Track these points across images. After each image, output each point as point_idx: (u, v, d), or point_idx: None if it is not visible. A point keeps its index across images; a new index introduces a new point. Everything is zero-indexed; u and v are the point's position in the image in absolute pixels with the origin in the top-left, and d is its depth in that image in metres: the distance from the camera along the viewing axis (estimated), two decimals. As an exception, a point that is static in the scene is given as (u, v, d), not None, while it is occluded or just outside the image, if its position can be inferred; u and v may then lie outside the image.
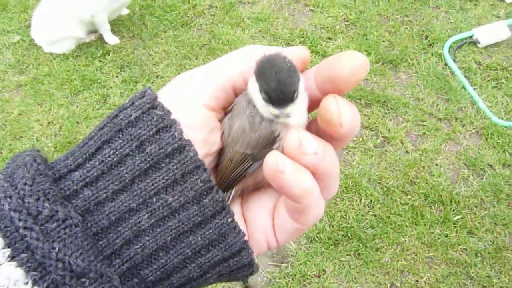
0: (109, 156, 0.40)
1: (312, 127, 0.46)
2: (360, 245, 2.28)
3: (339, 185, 2.45)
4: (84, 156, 0.41)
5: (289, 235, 0.46)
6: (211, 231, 0.42)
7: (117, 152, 0.40)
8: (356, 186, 2.44)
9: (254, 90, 0.44)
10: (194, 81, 0.44)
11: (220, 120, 0.46)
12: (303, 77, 0.44)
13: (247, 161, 0.46)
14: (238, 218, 0.46)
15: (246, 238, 0.44)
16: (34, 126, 2.73)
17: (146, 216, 0.40)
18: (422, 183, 2.45)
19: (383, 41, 3.00)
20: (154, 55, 3.01)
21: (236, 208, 0.48)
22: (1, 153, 2.63)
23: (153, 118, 0.41)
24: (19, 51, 3.07)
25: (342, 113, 0.39)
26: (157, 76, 2.91)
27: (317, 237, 2.30)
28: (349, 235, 2.31)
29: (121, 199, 0.40)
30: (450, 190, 2.42)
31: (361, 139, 2.59)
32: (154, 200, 0.41)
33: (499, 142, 2.58)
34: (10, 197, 0.37)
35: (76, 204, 0.39)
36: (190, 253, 0.42)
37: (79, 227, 0.38)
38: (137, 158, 0.40)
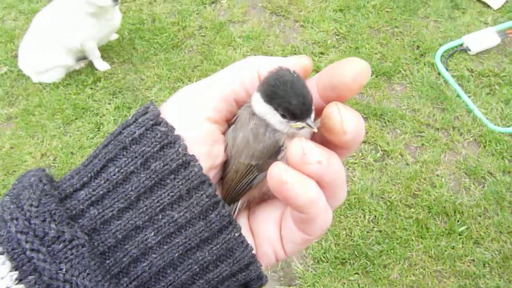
0: (114, 174, 0.40)
1: (317, 136, 0.46)
2: (368, 262, 2.25)
3: (342, 202, 2.43)
4: (89, 175, 0.41)
5: (297, 246, 0.45)
6: (218, 246, 0.42)
7: (122, 170, 0.40)
8: (359, 202, 2.42)
9: (266, 112, 0.44)
10: (196, 95, 0.44)
11: (224, 132, 0.46)
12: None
13: (252, 172, 0.46)
14: (245, 230, 0.46)
15: (254, 252, 0.44)
16: (27, 160, 2.67)
17: (152, 233, 0.40)
18: (425, 195, 2.44)
19: (376, 54, 3.01)
20: (146, 80, 2.97)
21: (243, 220, 0.48)
22: (-5, 189, 2.56)
23: (157, 134, 0.41)
24: (7, 82, 3.01)
25: (345, 120, 0.38)
26: (151, 101, 2.87)
27: (324, 257, 2.27)
28: (356, 253, 2.28)
29: (127, 217, 0.40)
30: (453, 201, 2.41)
31: (360, 154, 2.58)
32: (160, 217, 0.40)
33: (497, 149, 2.59)
34: (17, 219, 0.37)
35: (83, 224, 0.39)
36: (198, 269, 0.42)
37: (85, 247, 0.38)
38: (142, 175, 0.40)
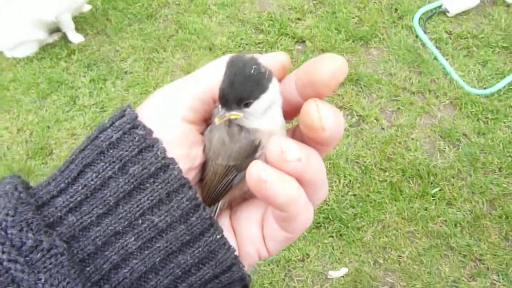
0: (92, 180, 0.40)
1: (297, 133, 0.45)
2: (342, 226, 2.29)
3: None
4: (66, 181, 0.40)
5: (280, 244, 0.45)
6: (200, 249, 0.42)
7: (99, 175, 0.40)
8: (334, 167, 2.44)
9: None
10: (171, 95, 0.43)
11: (202, 133, 0.46)
12: (277, 82, 0.43)
13: (231, 173, 0.45)
14: (227, 230, 0.46)
15: (236, 253, 0.44)
16: (3, 135, 2.66)
17: (133, 238, 0.40)
18: (399, 158, 2.46)
19: (353, 18, 2.96)
20: (121, 51, 2.93)
21: (224, 220, 0.48)
22: (-28, 165, 2.57)
23: (135, 138, 0.40)
24: (-21, 58, 2.97)
25: (324, 117, 0.38)
26: (126, 72, 2.84)
27: (299, 222, 2.31)
28: (330, 217, 2.32)
29: (107, 223, 0.39)
30: (427, 164, 2.43)
31: (336, 120, 2.58)
32: (140, 221, 0.40)
33: (472, 111, 2.59)
34: None
35: (61, 231, 0.39)
36: (180, 273, 0.42)
37: (64, 256, 0.37)
38: (121, 180, 0.40)
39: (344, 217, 2.30)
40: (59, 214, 0.39)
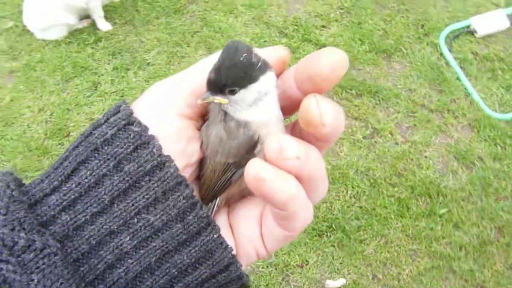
0: (85, 178, 0.39)
1: (296, 129, 0.44)
2: (344, 236, 2.28)
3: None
4: (59, 179, 0.39)
5: (278, 242, 0.44)
6: (197, 248, 0.41)
7: (94, 173, 0.39)
8: (343, 177, 2.44)
9: None
10: (167, 90, 0.42)
11: (199, 129, 0.45)
12: (273, 75, 0.43)
13: (230, 170, 0.44)
14: (224, 228, 0.45)
15: (233, 252, 0.43)
16: (25, 113, 2.75)
17: (128, 238, 0.39)
18: (410, 175, 2.43)
19: (378, 30, 2.95)
20: (146, 42, 2.99)
21: (222, 218, 0.47)
22: (-7, 139, 2.66)
23: (130, 135, 0.39)
24: (12, 37, 3.07)
25: (324, 112, 0.37)
26: (148, 64, 2.90)
27: (302, 228, 2.31)
28: (334, 226, 2.31)
29: (101, 221, 0.39)
30: (438, 183, 2.40)
31: (350, 130, 2.57)
32: (136, 220, 0.39)
33: (491, 135, 2.54)
34: None
35: (54, 230, 0.38)
36: (176, 273, 0.41)
37: (58, 255, 0.36)
38: (115, 178, 0.39)
39: (347, 228, 2.29)
40: (52, 212, 0.38)
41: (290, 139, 0.37)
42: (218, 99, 0.42)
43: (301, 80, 0.41)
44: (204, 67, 0.43)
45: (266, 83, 0.42)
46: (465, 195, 2.37)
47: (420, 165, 2.48)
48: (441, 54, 2.85)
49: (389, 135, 2.57)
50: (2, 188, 0.38)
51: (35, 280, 0.35)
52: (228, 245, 0.42)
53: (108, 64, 2.92)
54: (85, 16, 3.06)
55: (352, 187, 2.41)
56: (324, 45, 2.90)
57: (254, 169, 0.37)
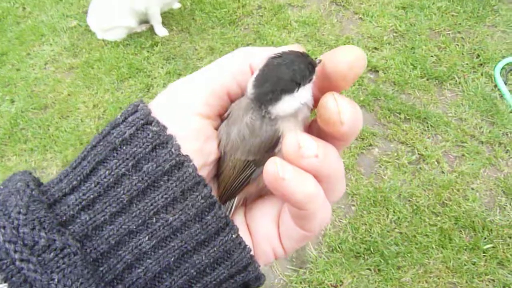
0: (104, 177, 0.38)
1: (314, 127, 0.44)
2: (382, 261, 2.24)
3: (367, 198, 2.43)
4: (78, 178, 0.39)
5: (296, 242, 0.44)
6: (215, 248, 0.41)
7: (112, 173, 0.38)
8: (385, 201, 2.40)
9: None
10: (186, 90, 0.42)
11: (217, 128, 0.44)
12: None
13: (249, 168, 0.44)
14: (242, 228, 0.45)
15: (252, 253, 0.42)
16: (80, 107, 2.87)
17: (146, 237, 0.39)
18: (455, 206, 2.37)
19: (431, 56, 2.92)
20: (200, 50, 3.08)
21: (239, 218, 0.47)
22: (48, 129, 2.79)
23: (148, 134, 0.39)
24: (74, 35, 3.24)
25: (342, 111, 0.37)
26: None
27: (339, 247, 2.29)
28: (372, 249, 2.27)
29: (120, 221, 0.38)
30: (483, 217, 2.32)
31: (395, 154, 2.54)
32: (154, 220, 0.39)
33: (543, 173, 2.45)
34: (4, 227, 0.35)
35: (74, 230, 0.38)
36: (195, 273, 0.40)
37: (78, 255, 0.36)
38: (134, 177, 0.38)
39: (386, 253, 2.25)
40: (71, 212, 0.38)
41: (308, 138, 0.37)
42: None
43: (318, 78, 0.41)
44: (221, 67, 0.43)
45: (310, 86, 0.43)
46: (512, 233, 2.28)
47: (466, 196, 2.41)
48: (496, 85, 2.78)
49: (436, 163, 2.52)
50: (22, 187, 0.38)
51: (56, 280, 0.34)
52: (246, 245, 0.42)
53: (162, 68, 3.02)
54: (145, 21, 3.20)
55: (394, 212, 2.37)
56: (375, 67, 2.90)
57: (273, 168, 0.37)
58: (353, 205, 2.42)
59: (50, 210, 0.38)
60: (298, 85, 0.41)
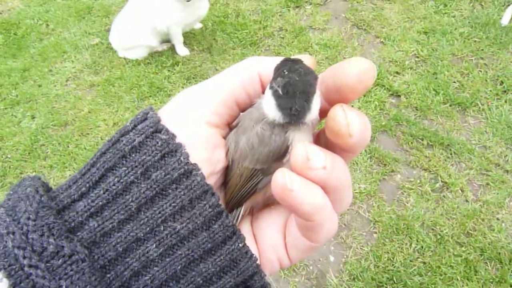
0: (113, 185, 0.39)
1: (321, 138, 0.44)
2: (405, 292, 2.18)
3: (390, 225, 2.39)
4: (87, 185, 0.39)
5: (302, 253, 0.44)
6: (222, 257, 0.41)
7: (121, 180, 0.39)
8: (407, 229, 2.35)
9: (267, 96, 0.42)
10: (195, 98, 0.43)
11: (225, 137, 0.45)
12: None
13: (257, 177, 0.44)
14: (248, 237, 0.45)
15: (258, 262, 0.43)
16: (100, 125, 2.88)
17: (154, 245, 0.39)
18: (480, 236, 2.31)
19: (454, 82, 2.90)
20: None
21: (246, 227, 0.47)
22: (68, 146, 2.79)
23: (157, 143, 0.39)
24: (96, 53, 3.27)
25: (351, 123, 0.37)
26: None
27: (361, 276, 2.23)
28: (395, 279, 2.21)
29: (128, 228, 0.39)
30: (510, 249, 2.26)
31: (418, 181, 2.50)
32: (162, 228, 0.39)
33: None
34: (13, 233, 0.35)
35: (82, 237, 0.38)
36: (201, 281, 0.41)
37: (86, 262, 0.36)
38: (143, 185, 0.39)
39: (409, 283, 2.19)
40: (80, 219, 0.38)
41: (316, 149, 0.37)
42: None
43: (327, 90, 0.41)
44: (230, 76, 0.43)
45: (318, 93, 0.43)
46: (540, 266, 2.22)
47: (491, 226, 2.35)
48: (520, 113, 2.75)
49: (460, 191, 2.47)
50: (31, 193, 0.38)
51: (64, 286, 0.35)
52: (253, 254, 0.42)
53: (182, 87, 3.02)
54: (166, 40, 3.22)
55: (417, 241, 2.32)
56: (397, 92, 2.88)
57: (281, 179, 0.37)
58: (375, 233, 2.37)
59: (59, 216, 0.38)
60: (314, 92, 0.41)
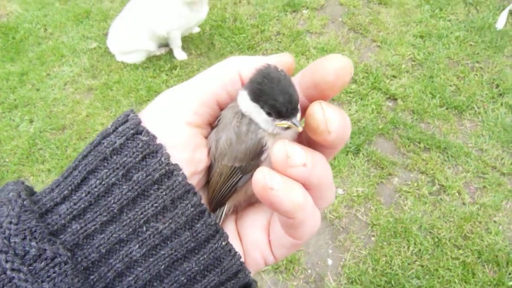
0: (95, 187, 0.39)
1: (302, 136, 0.44)
2: (403, 294, 2.19)
3: (387, 228, 2.39)
4: (69, 188, 0.40)
5: (286, 250, 0.44)
6: (205, 256, 0.41)
7: (103, 182, 0.39)
8: (405, 232, 2.36)
9: (251, 110, 0.43)
10: (176, 99, 0.43)
11: (207, 136, 0.45)
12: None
13: (236, 175, 0.45)
14: (232, 236, 0.45)
15: (242, 259, 0.43)
16: (98, 129, 2.88)
17: (137, 246, 0.39)
18: (477, 239, 2.32)
19: (450, 86, 2.92)
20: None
21: (230, 226, 0.47)
22: (66, 150, 2.79)
23: (138, 144, 0.40)
24: (94, 57, 3.28)
25: (329, 120, 0.37)
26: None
27: (359, 279, 2.24)
28: (393, 282, 2.22)
29: (111, 230, 0.39)
30: (507, 252, 2.27)
31: (416, 184, 2.51)
32: (145, 229, 0.39)
33: None
34: None
35: (65, 239, 0.38)
36: (185, 280, 0.41)
37: (68, 264, 0.36)
38: (124, 187, 0.39)
39: (407, 286, 2.19)
40: (62, 221, 0.39)
41: (296, 147, 0.38)
42: (293, 123, 0.42)
43: (306, 87, 0.41)
44: (211, 76, 0.44)
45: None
46: (537, 268, 2.23)
47: (488, 229, 2.36)
48: (516, 116, 2.77)
49: (457, 194, 2.49)
50: (14, 197, 0.38)
51: None
52: (236, 252, 0.42)
53: (180, 91, 3.03)
54: (164, 44, 3.23)
55: (415, 244, 2.33)
56: (393, 95, 2.90)
57: (261, 178, 0.37)
58: (373, 236, 2.38)
59: (41, 219, 0.38)
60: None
